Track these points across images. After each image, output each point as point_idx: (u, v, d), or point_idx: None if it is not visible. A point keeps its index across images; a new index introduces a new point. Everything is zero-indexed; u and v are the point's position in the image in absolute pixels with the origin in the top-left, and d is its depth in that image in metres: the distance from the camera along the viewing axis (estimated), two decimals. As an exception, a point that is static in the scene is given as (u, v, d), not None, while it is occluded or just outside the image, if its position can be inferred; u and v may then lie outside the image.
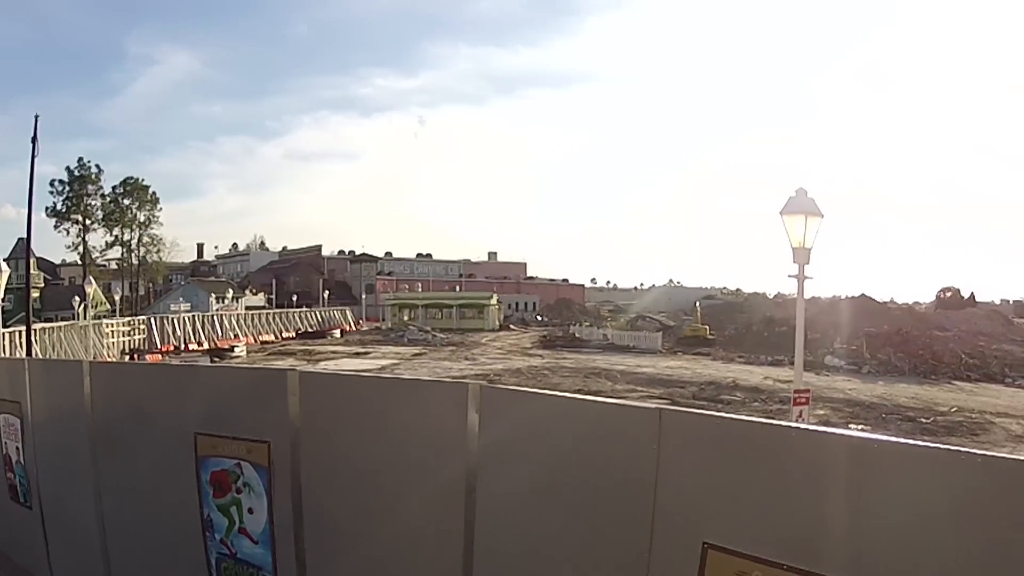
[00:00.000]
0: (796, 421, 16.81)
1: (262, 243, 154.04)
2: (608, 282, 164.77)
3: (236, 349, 59.71)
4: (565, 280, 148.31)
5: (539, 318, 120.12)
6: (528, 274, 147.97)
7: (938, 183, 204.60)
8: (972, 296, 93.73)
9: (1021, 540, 3.18)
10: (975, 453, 3.44)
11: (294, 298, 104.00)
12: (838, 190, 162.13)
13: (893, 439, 3.86)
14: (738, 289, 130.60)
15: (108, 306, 67.99)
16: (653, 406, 4.59)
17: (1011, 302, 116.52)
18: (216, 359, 51.07)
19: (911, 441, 3.81)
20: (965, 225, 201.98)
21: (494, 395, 5.28)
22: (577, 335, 77.63)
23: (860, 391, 37.66)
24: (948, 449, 3.58)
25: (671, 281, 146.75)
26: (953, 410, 33.68)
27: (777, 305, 79.08)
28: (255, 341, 70.75)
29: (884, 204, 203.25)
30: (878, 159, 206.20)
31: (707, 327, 73.50)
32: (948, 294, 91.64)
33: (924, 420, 30.70)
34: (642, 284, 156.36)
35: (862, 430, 26.36)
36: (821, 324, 57.76)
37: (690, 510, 4.17)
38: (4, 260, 26.11)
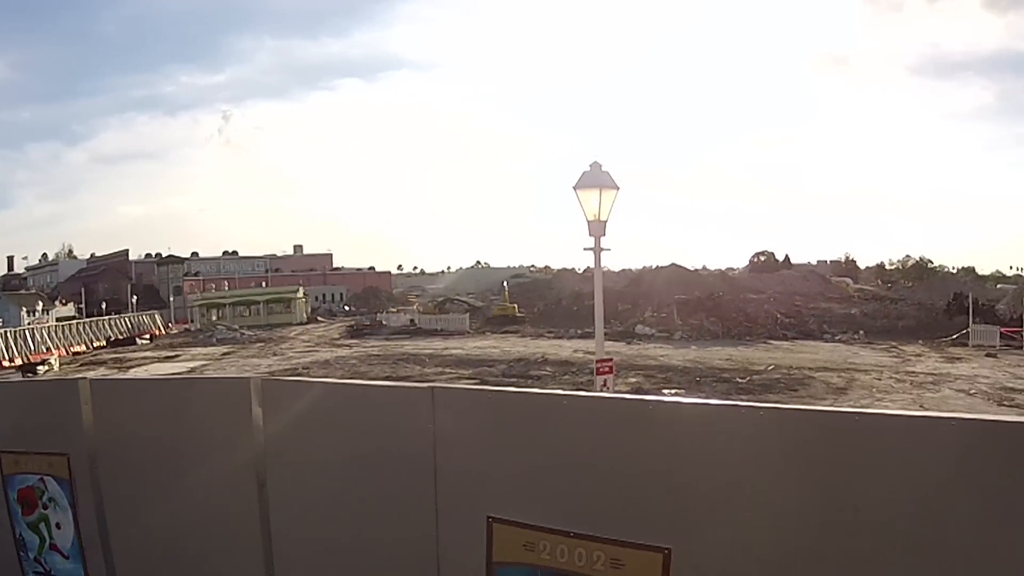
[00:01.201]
0: (600, 390, 17.71)
1: (70, 251, 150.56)
2: (415, 267, 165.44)
3: (46, 363, 57.70)
4: (372, 268, 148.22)
5: (346, 308, 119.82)
6: (335, 265, 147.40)
7: (753, 153, 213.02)
8: (787, 259, 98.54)
9: (842, 483, 3.46)
10: (757, 406, 3.82)
11: (103, 305, 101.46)
12: (645, 164, 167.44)
13: (674, 399, 4.23)
14: (547, 266, 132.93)
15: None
16: (425, 385, 4.80)
17: (828, 262, 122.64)
18: (29, 374, 49.50)
19: (697, 400, 4.22)
20: (784, 191, 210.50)
21: (276, 387, 5.45)
22: (384, 322, 77.99)
23: (673, 356, 39.17)
24: (734, 405, 3.89)
25: (478, 262, 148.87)
26: (770, 368, 35.54)
27: (586, 279, 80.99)
28: (67, 353, 68.43)
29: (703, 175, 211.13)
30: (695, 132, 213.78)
31: (516, 305, 74.99)
32: (762, 258, 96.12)
33: (740, 380, 32.20)
34: (449, 267, 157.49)
35: (675, 394, 27.68)
36: (632, 295, 60.03)
37: (472, 485, 4.35)
38: None
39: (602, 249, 17.33)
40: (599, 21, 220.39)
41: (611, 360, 19.71)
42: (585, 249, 17.47)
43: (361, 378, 34.16)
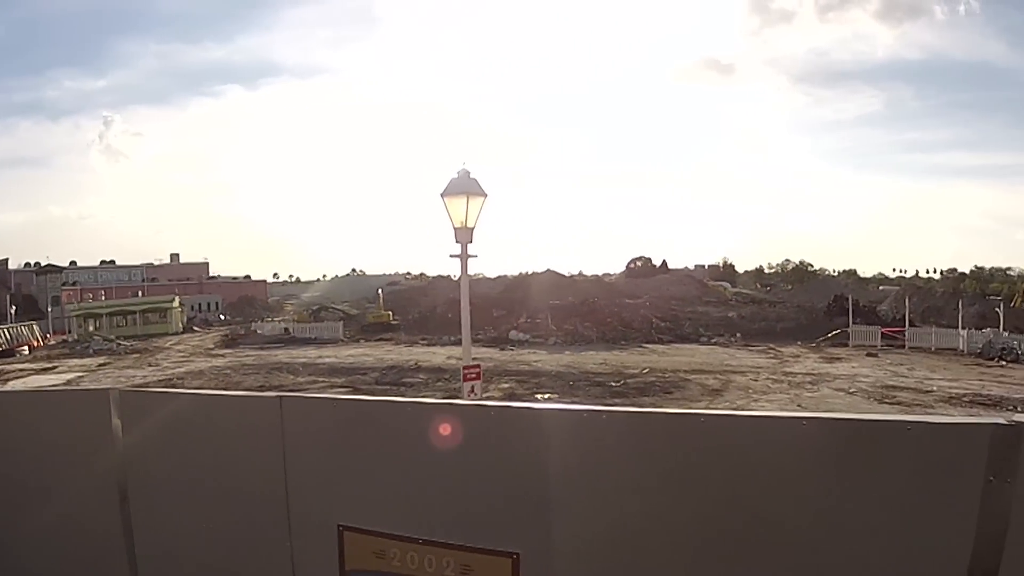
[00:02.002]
0: (468, 397, 18.08)
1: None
2: (291, 276, 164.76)
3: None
4: (247, 277, 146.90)
5: (222, 317, 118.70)
6: (211, 274, 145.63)
7: (633, 156, 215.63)
8: (664, 264, 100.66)
9: (689, 480, 3.71)
10: (601, 410, 4.01)
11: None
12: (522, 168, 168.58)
13: (522, 404, 4.35)
14: (422, 273, 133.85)
15: None
16: (273, 394, 4.91)
17: (706, 267, 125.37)
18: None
19: (545, 405, 4.35)
20: (663, 195, 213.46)
21: (135, 398, 5.47)
22: (259, 331, 77.60)
23: (547, 362, 39.75)
24: (579, 409, 4.09)
25: (353, 270, 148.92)
26: (645, 371, 36.34)
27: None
28: (-52, 368, 66.46)
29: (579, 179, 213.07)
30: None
31: (390, 313, 75.30)
32: (639, 263, 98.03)
33: (614, 384, 32.85)
34: (324, 275, 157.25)
35: (548, 399, 28.39)
36: (507, 301, 60.75)
37: (323, 494, 4.50)
38: None
39: (469, 256, 17.58)
40: (468, 27, 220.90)
41: (478, 366, 20.09)
42: (451, 256, 17.72)
43: (235, 388, 34.18)
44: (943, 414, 25.51)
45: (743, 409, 25.32)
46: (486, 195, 17.94)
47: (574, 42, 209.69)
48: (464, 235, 17.50)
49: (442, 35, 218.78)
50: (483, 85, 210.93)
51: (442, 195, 17.77)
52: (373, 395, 26.45)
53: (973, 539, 3.45)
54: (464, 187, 17.67)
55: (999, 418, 3.57)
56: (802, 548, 3.67)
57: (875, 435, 3.67)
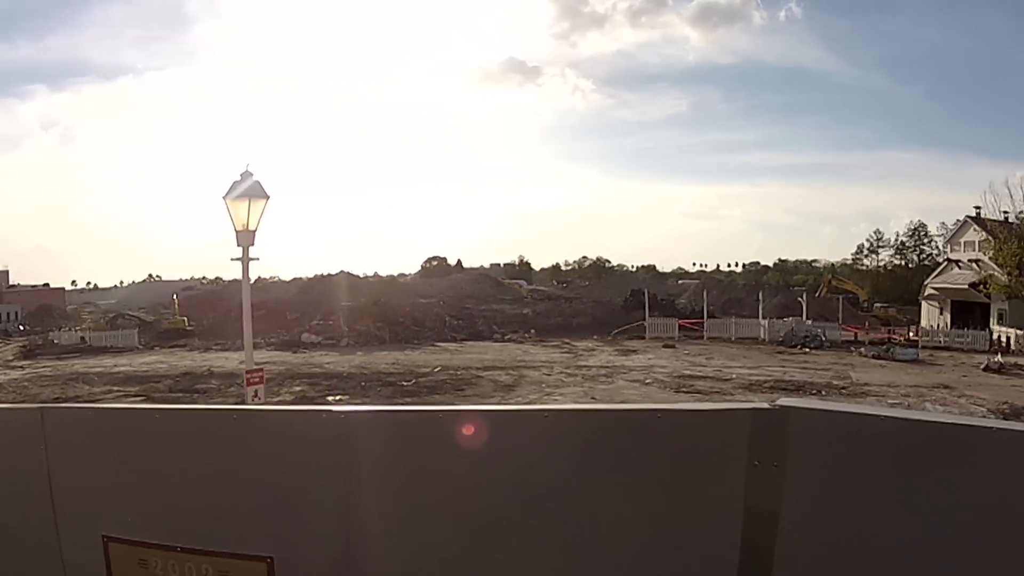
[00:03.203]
0: (252, 401, 18.08)
1: None
2: (89, 283, 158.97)
3: None
4: (46, 285, 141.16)
5: (21, 327, 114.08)
6: (11, 282, 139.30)
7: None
8: (459, 263, 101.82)
9: (439, 476, 3.79)
10: (357, 410, 4.11)
11: None
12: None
13: (280, 407, 4.50)
14: (218, 278, 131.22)
15: None
16: (35, 405, 4.99)
17: (502, 265, 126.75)
18: None
19: (300, 408, 4.30)
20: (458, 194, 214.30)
21: None
22: (56, 341, 75.07)
23: (339, 363, 39.68)
24: (327, 409, 4.08)
25: (151, 276, 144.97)
26: (437, 370, 36.71)
27: (257, 290, 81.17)
28: None
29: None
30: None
31: (186, 318, 74.05)
32: (434, 263, 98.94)
33: (405, 383, 33.15)
34: (122, 282, 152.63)
35: (339, 400, 28.58)
36: (302, 303, 60.53)
37: (89, 504, 4.40)
38: None
39: (251, 259, 17.61)
40: (273, 30, 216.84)
41: (261, 370, 19.98)
42: (232, 259, 17.77)
43: (31, 401, 33.00)
44: (742, 400, 26.29)
45: (535, 403, 25.80)
46: (268, 197, 17.92)
47: (378, 42, 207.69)
48: (246, 238, 17.51)
49: (246, 36, 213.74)
50: (289, 85, 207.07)
51: (224, 198, 17.67)
52: (167, 403, 26.10)
53: (741, 526, 3.56)
54: (246, 190, 17.59)
55: (762, 402, 3.71)
56: (549, 541, 3.76)
57: (630, 425, 3.81)
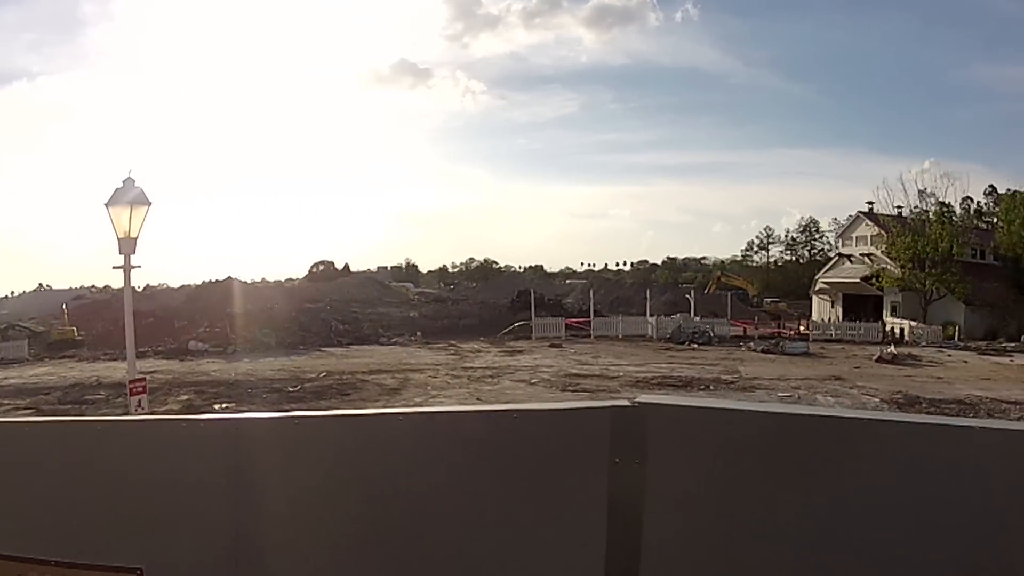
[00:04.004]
0: (135, 411, 17.83)
1: None
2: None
3: None
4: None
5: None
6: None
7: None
8: (347, 266, 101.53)
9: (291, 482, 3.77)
10: (220, 418, 4.16)
11: None
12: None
13: (138, 418, 4.36)
14: (107, 286, 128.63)
15: None
16: None
17: (389, 268, 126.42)
18: None
19: (165, 417, 4.26)
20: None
21: None
22: (-56, 354, 73.13)
23: (225, 370, 39.50)
24: (193, 419, 4.06)
25: (41, 285, 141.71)
26: (322, 375, 36.68)
27: (146, 298, 79.94)
28: None
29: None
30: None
31: (75, 328, 72.68)
32: (321, 267, 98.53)
33: (291, 389, 33.20)
34: (12, 292, 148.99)
35: (225, 408, 28.48)
36: (189, 310, 59.87)
37: None
38: None
39: (133, 267, 17.60)
40: (168, 34, 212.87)
41: (144, 380, 19.71)
42: (115, 268, 17.75)
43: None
44: (627, 398, 26.52)
45: (420, 405, 26.07)
46: (150, 204, 17.87)
47: (270, 45, 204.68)
48: (128, 245, 17.47)
49: (138, 40, 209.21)
50: (179, 90, 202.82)
51: (106, 205, 17.60)
52: (57, 415, 25.71)
53: (606, 525, 3.53)
54: (128, 197, 17.57)
55: (622, 400, 3.64)
56: (421, 544, 3.77)
57: (487, 426, 3.82)
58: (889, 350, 49.27)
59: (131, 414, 17.44)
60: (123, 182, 17.67)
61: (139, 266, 17.79)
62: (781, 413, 3.74)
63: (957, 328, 64.16)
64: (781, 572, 3.41)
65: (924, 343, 59.49)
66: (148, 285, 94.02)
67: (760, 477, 3.42)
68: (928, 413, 28.99)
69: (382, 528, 3.79)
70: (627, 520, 3.49)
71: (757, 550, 3.43)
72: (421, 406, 25.60)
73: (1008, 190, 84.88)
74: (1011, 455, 3.27)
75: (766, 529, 3.42)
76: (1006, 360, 50.34)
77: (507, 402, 26.64)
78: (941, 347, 57.22)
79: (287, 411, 4.47)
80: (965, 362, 48.61)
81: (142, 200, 17.76)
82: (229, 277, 79.68)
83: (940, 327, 63.71)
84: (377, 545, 3.80)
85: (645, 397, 3.65)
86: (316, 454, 3.85)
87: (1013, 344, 58.89)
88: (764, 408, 3.98)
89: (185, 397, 32.29)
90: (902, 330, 63.06)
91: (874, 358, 47.11)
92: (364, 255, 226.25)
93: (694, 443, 3.48)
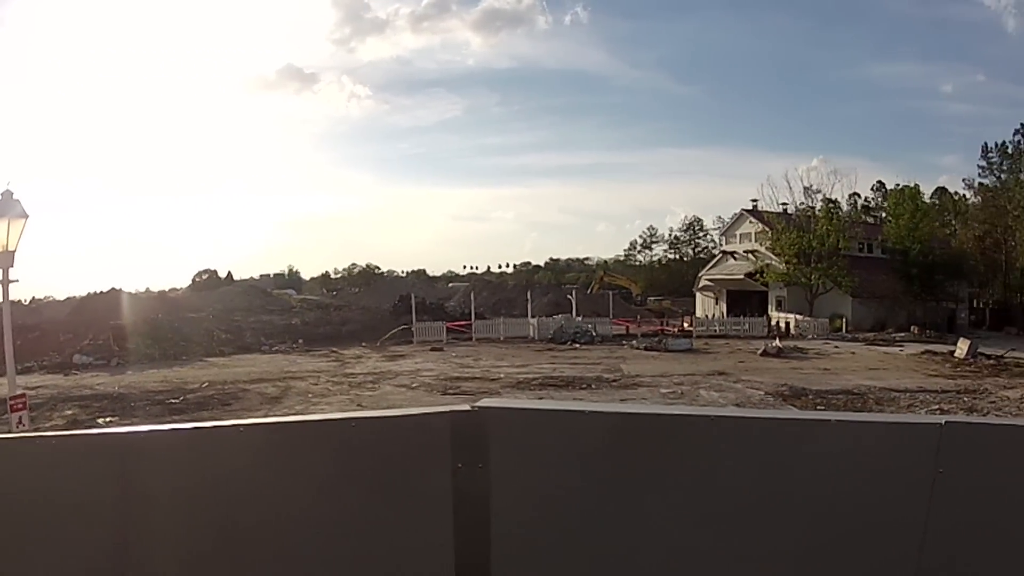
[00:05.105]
0: (16, 428, 17.43)
1: None
2: None
3: None
4: None
5: None
6: None
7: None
8: (230, 275, 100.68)
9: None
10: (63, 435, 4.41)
11: None
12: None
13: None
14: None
15: None
16: None
17: (272, 275, 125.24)
18: None
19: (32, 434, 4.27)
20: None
21: None
22: None
23: (109, 384, 38.84)
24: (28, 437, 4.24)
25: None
26: (204, 385, 36.50)
27: (32, 311, 78.03)
28: None
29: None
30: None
31: (-45, 346, 70.65)
32: (205, 276, 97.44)
33: (174, 401, 32.88)
34: None
35: (109, 422, 27.95)
36: (74, 323, 58.40)
37: None
38: None
39: (11, 281, 17.20)
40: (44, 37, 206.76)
41: (24, 396, 19.36)
42: (-6, 283, 17.16)
43: None
44: (512, 398, 26.20)
45: (301, 413, 25.92)
46: (27, 216, 17.46)
47: (156, 50, 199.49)
48: (6, 259, 17.02)
49: (17, 44, 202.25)
50: (63, 97, 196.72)
51: (-22, 217, 17.07)
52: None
53: (452, 528, 3.69)
54: (5, 209, 17.15)
55: (463, 405, 3.81)
56: (281, 551, 3.92)
57: (328, 434, 3.98)
58: (774, 344, 50.27)
59: (12, 431, 17.16)
60: (0, 194, 17.27)
61: (17, 280, 17.36)
62: (623, 413, 4.06)
63: (844, 320, 65.78)
64: (628, 563, 3.61)
65: (811, 336, 60.84)
66: (34, 298, 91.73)
67: (604, 473, 3.60)
68: (815, 404, 29.94)
69: (236, 536, 3.94)
70: (474, 522, 3.66)
71: (602, 541, 3.61)
72: (302, 413, 25.43)
73: (897, 185, 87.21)
74: (866, 445, 3.54)
75: (611, 523, 3.60)
76: (895, 350, 51.76)
77: (387, 407, 26.68)
78: (828, 339, 58.72)
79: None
80: (853, 353, 49.93)
81: (20, 213, 17.33)
82: (114, 288, 78.23)
83: (827, 320, 65.13)
84: (231, 557, 3.96)
85: (485, 401, 3.81)
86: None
87: (903, 334, 60.52)
88: (605, 408, 4.33)
89: (70, 412, 31.63)
90: (788, 324, 64.40)
91: (759, 352, 48.03)
92: (249, 263, 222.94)
93: (536, 444, 3.68)
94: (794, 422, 3.90)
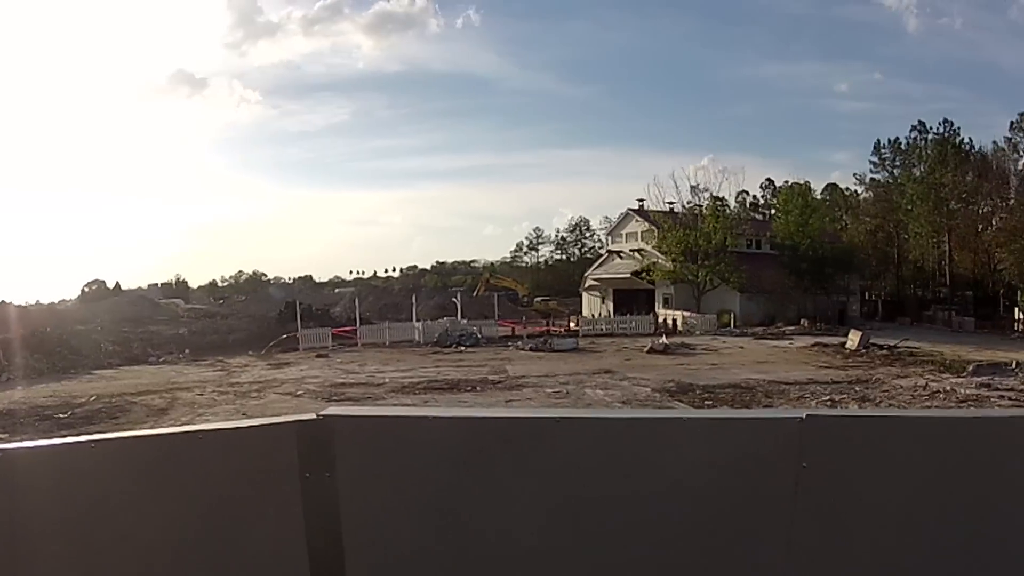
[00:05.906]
0: None
1: None
2: None
3: None
4: None
5: None
6: None
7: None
8: (118, 285, 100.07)
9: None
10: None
11: None
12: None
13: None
14: None
15: None
16: None
17: (159, 285, 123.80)
18: None
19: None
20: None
21: None
22: None
23: (-1, 400, 39.42)
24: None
25: None
26: (92, 399, 36.40)
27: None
28: None
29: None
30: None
31: None
32: (93, 287, 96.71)
33: (62, 416, 32.67)
34: None
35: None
36: (-37, 339, 58.54)
37: None
38: None
39: None
40: None
41: None
42: None
43: None
44: (394, 403, 27.07)
45: (187, 424, 25.82)
46: None
47: (46, 54, 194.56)
48: None
49: None
50: None
51: None
52: None
53: (305, 538, 3.66)
54: None
55: (309, 413, 3.76)
56: (141, 568, 3.79)
57: (174, 449, 3.86)
58: (661, 340, 51.40)
59: None
60: None
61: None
62: (468, 417, 4.13)
63: (733, 316, 67.70)
64: (480, 567, 3.69)
65: (699, 332, 62.25)
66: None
67: (452, 479, 3.66)
68: (702, 399, 30.45)
69: (88, 559, 3.81)
70: (326, 531, 3.67)
71: (453, 547, 3.70)
72: (187, 424, 25.87)
73: (786, 182, 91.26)
74: (724, 442, 3.65)
75: (461, 528, 3.69)
76: (785, 343, 53.75)
77: (272, 415, 27.68)
78: (716, 335, 60.25)
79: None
80: (742, 348, 51.59)
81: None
82: (2, 301, 77.65)
83: (715, 316, 66.90)
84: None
85: (332, 409, 3.84)
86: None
87: (792, 328, 62.58)
88: (454, 413, 4.59)
89: (-50, 432, 31.49)
90: (675, 320, 65.81)
91: (646, 350, 49.02)
92: (139, 272, 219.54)
93: (382, 451, 3.70)
94: (642, 422, 3.99)
